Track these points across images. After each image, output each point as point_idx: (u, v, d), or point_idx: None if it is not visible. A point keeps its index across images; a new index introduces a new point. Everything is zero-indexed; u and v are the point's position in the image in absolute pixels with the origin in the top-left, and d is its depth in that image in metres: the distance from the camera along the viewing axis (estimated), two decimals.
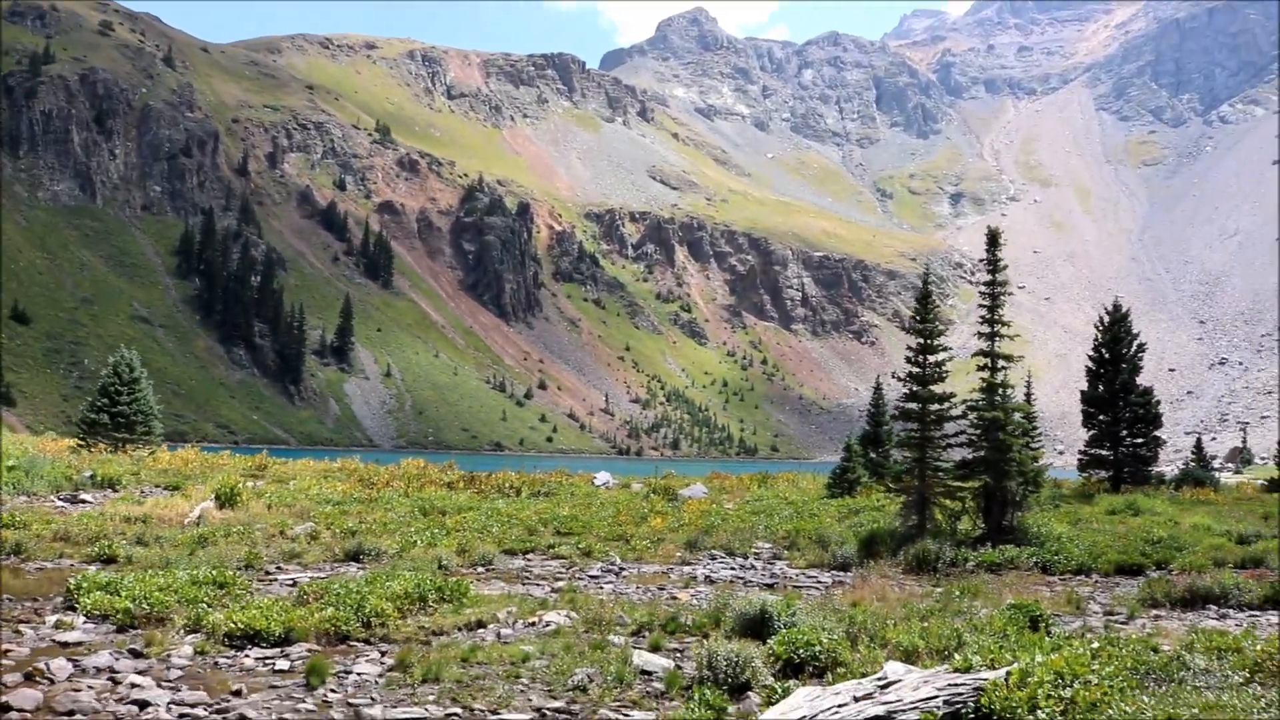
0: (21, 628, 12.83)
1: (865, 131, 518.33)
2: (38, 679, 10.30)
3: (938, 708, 7.11)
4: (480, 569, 19.96)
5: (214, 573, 15.32)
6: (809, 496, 37.48)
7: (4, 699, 9.40)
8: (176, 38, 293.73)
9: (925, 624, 12.63)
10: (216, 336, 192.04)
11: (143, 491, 33.79)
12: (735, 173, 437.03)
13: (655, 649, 12.27)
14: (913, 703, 7.03)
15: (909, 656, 10.91)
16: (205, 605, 13.45)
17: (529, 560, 21.69)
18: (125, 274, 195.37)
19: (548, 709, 9.83)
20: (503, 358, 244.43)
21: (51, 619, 13.29)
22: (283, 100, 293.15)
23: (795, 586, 18.36)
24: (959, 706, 7.24)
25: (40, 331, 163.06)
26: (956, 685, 7.45)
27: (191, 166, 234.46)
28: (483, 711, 9.68)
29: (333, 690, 10.25)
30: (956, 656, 9.45)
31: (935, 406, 24.05)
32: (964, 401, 24.16)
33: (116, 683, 10.25)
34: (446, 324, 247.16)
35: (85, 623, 13.13)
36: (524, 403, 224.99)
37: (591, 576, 19.31)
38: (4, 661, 10.93)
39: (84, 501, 30.49)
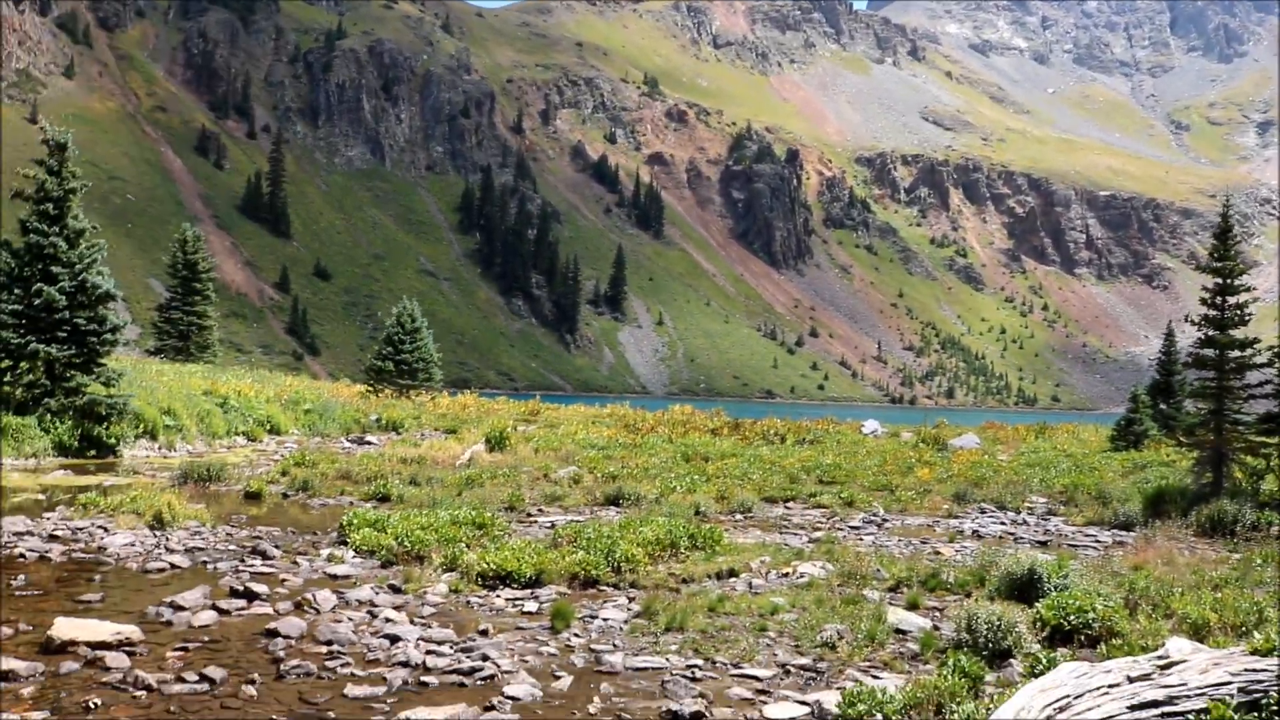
0: (299, 559, 13.46)
1: (1157, 59, 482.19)
2: (305, 609, 10.71)
3: (1230, 695, 6.00)
4: (738, 516, 19.61)
5: (474, 514, 15.62)
6: (1090, 450, 35.12)
7: (274, 625, 9.79)
8: (453, 6, 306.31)
9: (1218, 594, 11.25)
10: (497, 288, 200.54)
11: (422, 434, 35.43)
12: (1013, 110, 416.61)
13: (912, 607, 11.53)
14: (1199, 688, 5.97)
15: (1197, 632, 9.71)
16: (463, 545, 13.69)
17: (789, 509, 21.17)
18: (412, 231, 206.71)
19: (793, 665, 9.34)
20: (773, 305, 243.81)
21: (325, 552, 13.88)
22: (553, 59, 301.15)
23: (1070, 545, 17.02)
24: (1258, 696, 6.11)
25: (339, 286, 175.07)
26: (1256, 670, 6.30)
27: (470, 127, 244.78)
28: (725, 664, 9.30)
29: (576, 635, 10.14)
30: (1256, 635, 8.21)
31: (1235, 353, 21.67)
32: (1270, 349, 21.67)
33: (374, 616, 10.51)
34: (717, 272, 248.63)
35: (354, 557, 13.63)
36: (795, 350, 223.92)
37: (852, 527, 18.60)
38: (279, 590, 11.45)
39: (369, 443, 32.24)
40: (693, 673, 9.00)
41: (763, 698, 8.46)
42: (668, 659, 9.37)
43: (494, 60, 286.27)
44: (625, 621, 10.69)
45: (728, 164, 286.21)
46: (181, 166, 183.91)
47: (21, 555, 12.93)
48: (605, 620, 10.71)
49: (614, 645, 9.82)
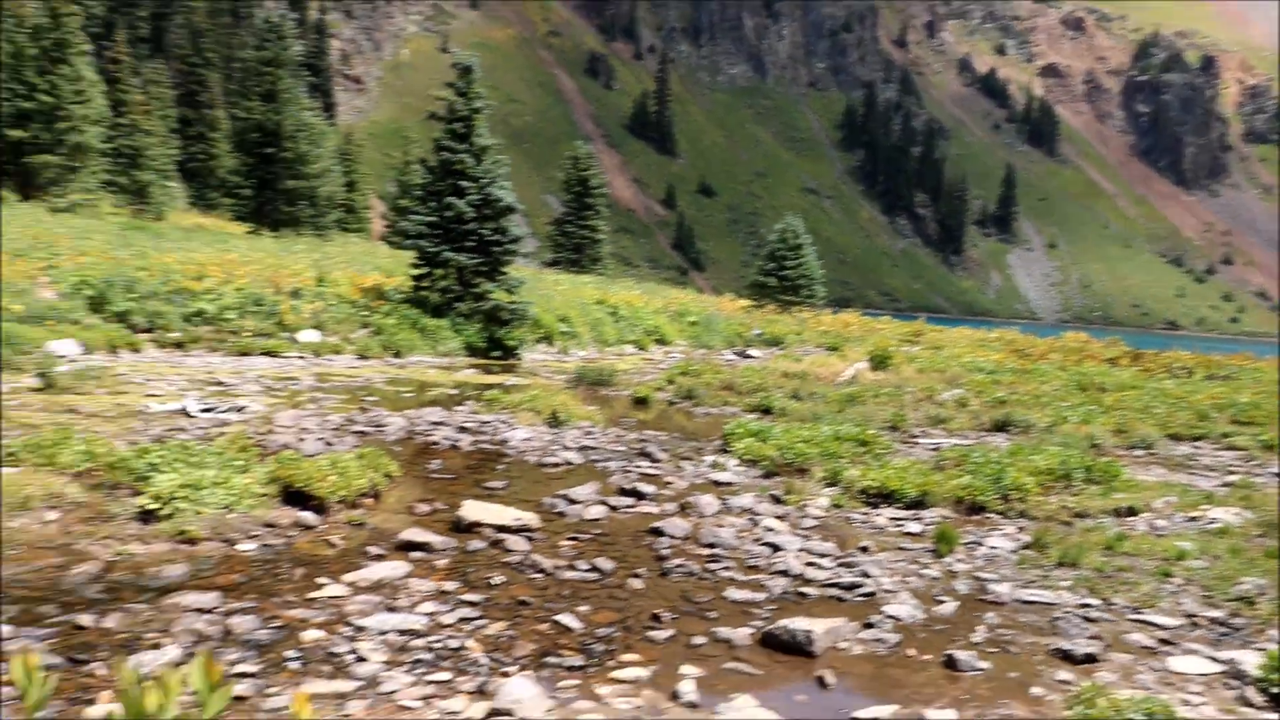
0: (683, 464, 13.83)
1: None
2: (689, 512, 10.97)
3: None
4: (1138, 452, 18.18)
5: (856, 430, 15.41)
6: None
7: (659, 525, 10.09)
8: None
9: None
10: (879, 207, 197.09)
11: (804, 350, 35.50)
12: None
13: None
14: None
15: None
16: (845, 461, 13.53)
17: (1197, 448, 19.38)
18: (794, 148, 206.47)
19: (1202, 617, 8.46)
20: (1180, 229, 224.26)
21: (709, 459, 14.17)
22: None
23: None
24: None
25: (722, 203, 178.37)
26: None
27: (852, 42, 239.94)
28: (1123, 607, 8.58)
29: (960, 560, 9.73)
30: None
31: None
32: None
33: (755, 524, 10.58)
34: (1117, 193, 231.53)
35: (736, 466, 13.82)
36: (1204, 279, 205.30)
37: (1274, 474, 16.73)
38: (664, 492, 11.81)
39: (750, 357, 32.70)
40: (1086, 612, 8.38)
41: (1166, 648, 7.73)
42: (1059, 595, 8.79)
43: None
44: (1013, 551, 10.15)
45: (1130, 75, 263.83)
46: (574, 88, 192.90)
47: (437, 443, 14.11)
48: (992, 548, 10.23)
49: (1000, 575, 9.35)
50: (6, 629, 6.42)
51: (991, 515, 11.81)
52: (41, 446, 10.00)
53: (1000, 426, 19.46)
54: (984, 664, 7.13)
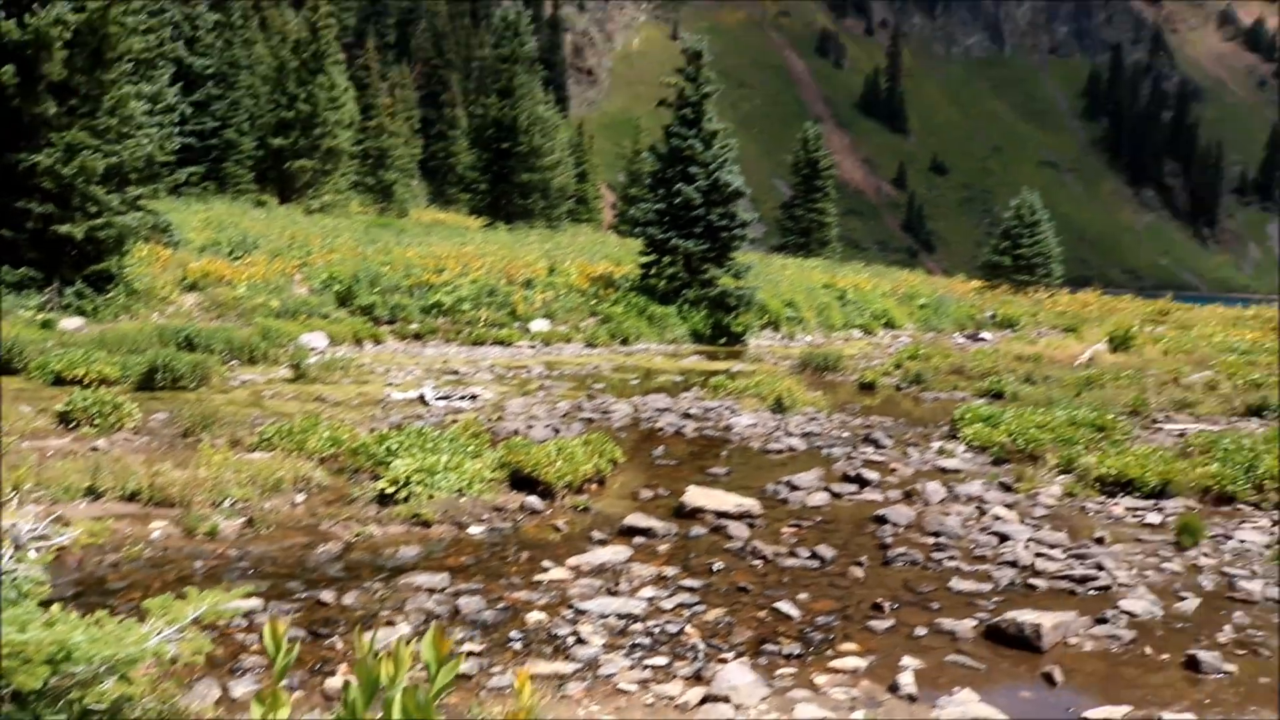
0: (909, 450, 13.62)
1: None
2: (914, 499, 10.82)
3: None
4: None
5: (1093, 415, 14.77)
6: None
7: (882, 512, 10.00)
8: None
9: None
10: (1124, 179, 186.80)
11: (1038, 332, 34.20)
12: None
13: None
14: None
15: None
16: (1080, 447, 12.99)
17: None
18: (1033, 120, 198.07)
19: None
20: None
21: (935, 445, 13.90)
22: None
23: None
24: None
25: (956, 182, 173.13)
26: None
27: (1099, 3, 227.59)
28: None
29: (1205, 554, 9.19)
30: None
31: None
32: None
33: (982, 512, 10.32)
34: None
35: (964, 452, 13.50)
36: None
37: None
38: (889, 479, 11.68)
39: (983, 339, 31.74)
40: None
41: None
42: None
43: None
44: (1267, 546, 9.51)
45: None
46: (803, 68, 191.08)
47: (661, 429, 14.38)
48: (1242, 542, 9.61)
49: (1252, 571, 8.78)
50: (258, 602, 6.99)
51: (1242, 506, 11.10)
52: (292, 433, 10.80)
53: (1255, 411, 18.19)
54: (1230, 666, 6.73)
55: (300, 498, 9.48)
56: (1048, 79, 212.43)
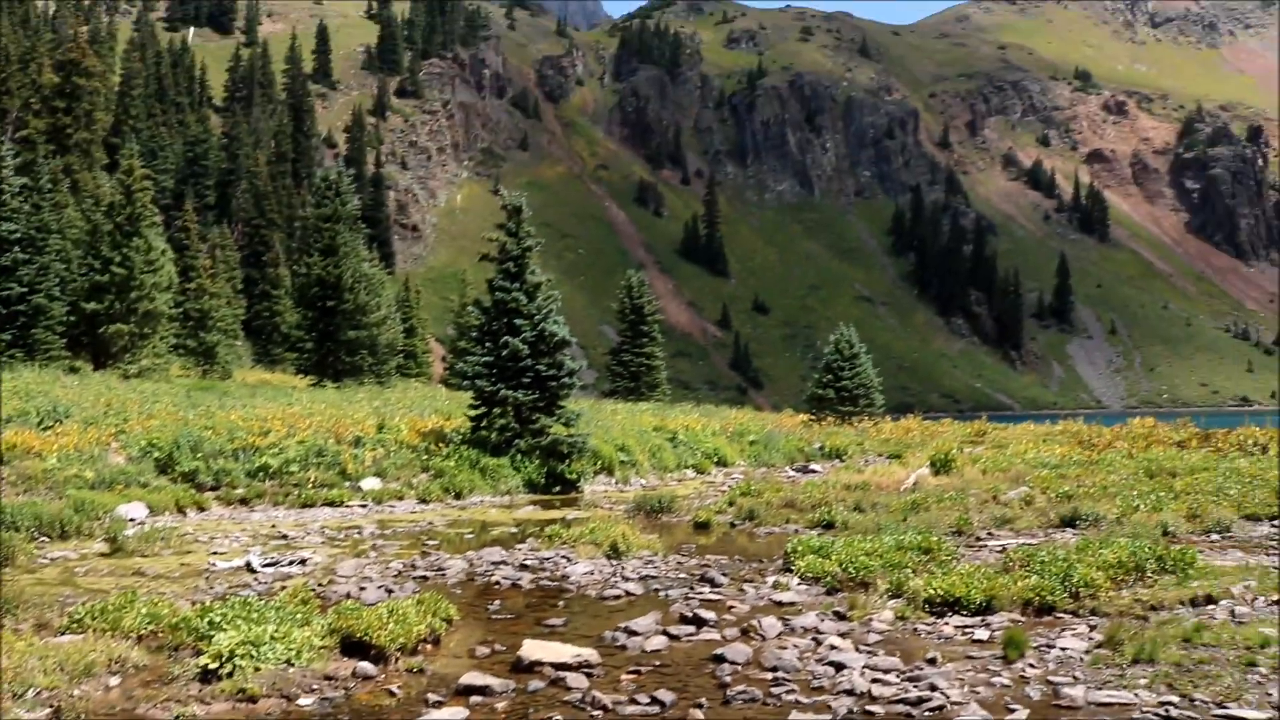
0: (745, 586, 13.73)
1: None
2: (751, 635, 10.87)
3: None
4: (1214, 536, 17.73)
5: (919, 538, 15.22)
6: None
7: (721, 651, 10.01)
8: (868, 29, 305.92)
9: None
10: (934, 309, 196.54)
11: (865, 460, 35.22)
12: None
13: None
14: None
15: None
16: (908, 571, 13.34)
17: (1276, 526, 18.85)
18: (845, 258, 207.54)
19: None
20: (1244, 302, 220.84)
21: (771, 580, 14.05)
22: (975, 66, 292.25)
23: None
24: None
25: (778, 319, 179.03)
26: None
27: (895, 148, 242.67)
28: (1206, 702, 8.30)
29: (1031, 665, 9.50)
30: None
31: None
32: None
33: (819, 643, 10.44)
34: (1173, 271, 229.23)
35: (799, 584, 13.68)
36: (1273, 351, 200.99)
37: None
38: (726, 617, 11.73)
39: (812, 471, 32.46)
40: (1167, 710, 8.13)
41: None
42: (1136, 694, 8.54)
43: (914, 77, 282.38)
44: (1086, 651, 9.90)
45: (1177, 152, 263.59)
46: (624, 218, 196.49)
47: (497, 583, 14.14)
48: (1063, 650, 9.99)
49: (1074, 677, 9.11)
50: None
51: (1062, 615, 11.55)
52: (106, 611, 10.21)
53: (1068, 522, 19.10)
54: None
55: (114, 681, 8.91)
56: (856, 220, 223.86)
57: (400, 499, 23.86)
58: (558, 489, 26.86)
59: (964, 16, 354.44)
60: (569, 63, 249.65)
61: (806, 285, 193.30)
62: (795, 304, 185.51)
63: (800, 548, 15.10)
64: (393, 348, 55.71)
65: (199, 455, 22.82)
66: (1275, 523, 19.23)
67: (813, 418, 49.43)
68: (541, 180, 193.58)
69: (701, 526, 20.44)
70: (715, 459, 34.22)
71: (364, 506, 22.95)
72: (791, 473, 32.62)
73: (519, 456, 27.30)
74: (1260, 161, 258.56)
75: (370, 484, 23.98)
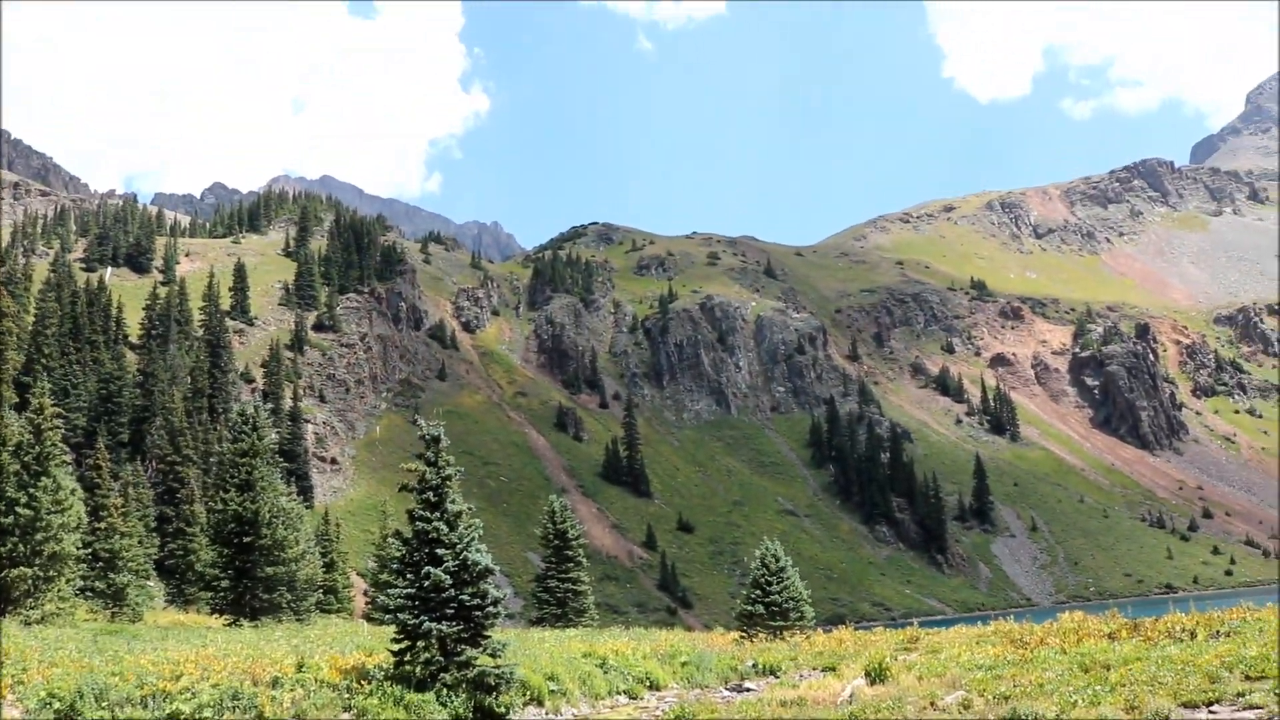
0: None
1: None
2: None
3: None
4: None
5: None
6: None
7: None
8: (773, 250, 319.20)
9: None
10: (858, 517, 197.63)
11: (800, 675, 34.59)
12: None
13: None
14: None
15: None
16: None
17: (1214, 712, 18.82)
18: (766, 473, 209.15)
19: None
20: (1154, 491, 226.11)
21: None
22: (876, 281, 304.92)
23: None
24: None
25: (703, 537, 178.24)
26: None
27: (807, 362, 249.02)
28: None
29: None
30: None
31: None
32: None
33: None
34: (1085, 466, 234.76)
35: None
36: (1189, 536, 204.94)
37: None
38: None
39: (748, 689, 31.75)
40: None
41: None
42: None
43: (819, 294, 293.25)
44: None
45: (1074, 352, 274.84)
46: (545, 443, 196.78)
47: None
48: None
49: None
50: None
51: None
52: None
53: None
54: None
55: None
56: (774, 434, 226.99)
57: None
58: None
59: (862, 236, 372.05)
60: (484, 293, 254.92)
61: (730, 502, 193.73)
62: (720, 521, 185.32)
63: None
64: (312, 583, 54.24)
65: (104, 704, 21.66)
66: (1212, 708, 19.19)
67: (744, 634, 48.71)
68: (461, 409, 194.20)
69: None
70: (647, 682, 33.35)
71: None
72: (726, 692, 31.87)
73: (445, 690, 26.36)
74: (1151, 356, 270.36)
75: None
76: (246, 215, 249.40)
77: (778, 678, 34.57)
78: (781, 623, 48.50)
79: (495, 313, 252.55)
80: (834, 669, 33.86)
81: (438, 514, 28.40)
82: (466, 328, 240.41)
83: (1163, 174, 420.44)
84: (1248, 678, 21.63)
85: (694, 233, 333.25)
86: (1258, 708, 18.61)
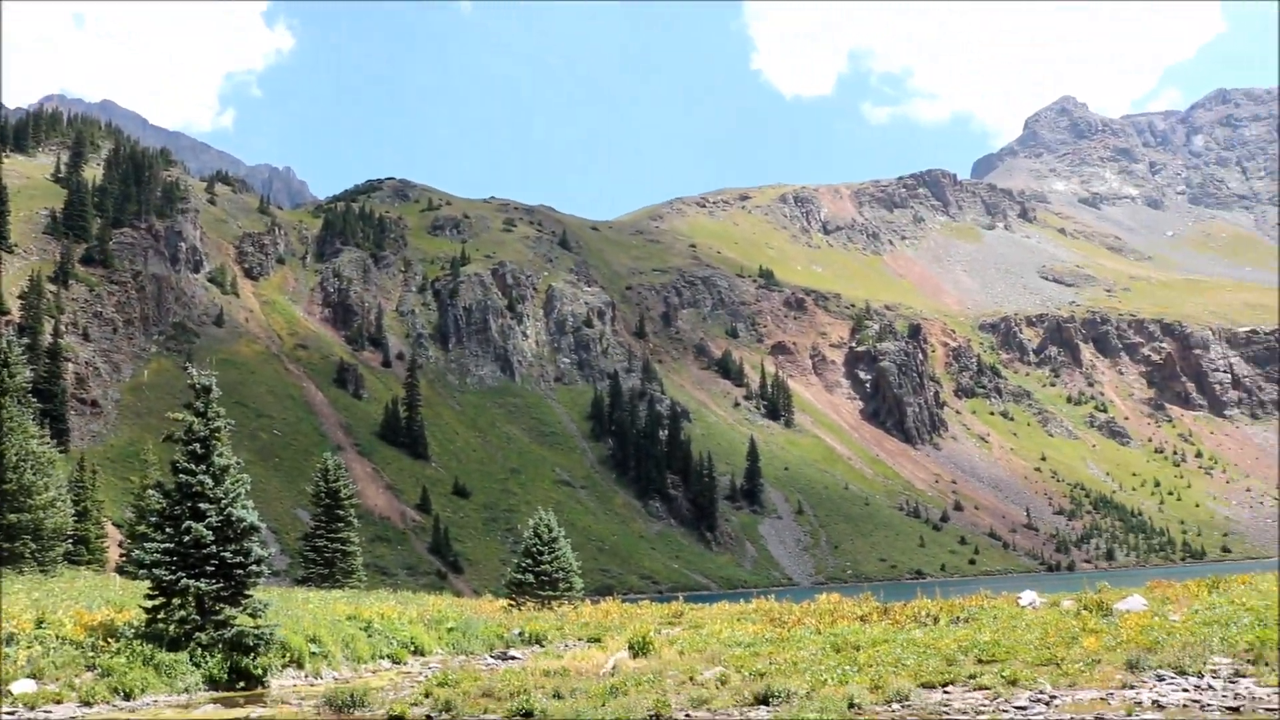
0: None
1: (1277, 188, 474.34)
2: None
3: None
4: (895, 706, 18.66)
5: None
6: (1272, 600, 32.76)
7: None
8: (569, 222, 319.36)
9: None
10: (633, 492, 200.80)
11: (565, 645, 34.98)
12: (1133, 258, 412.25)
13: None
14: None
15: None
16: None
17: (948, 693, 20.07)
18: (546, 442, 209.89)
19: None
20: (914, 483, 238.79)
21: None
22: (669, 262, 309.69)
23: (1266, 709, 15.64)
24: None
25: (478, 503, 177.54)
26: None
27: (594, 336, 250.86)
28: None
29: None
30: None
31: None
32: None
33: None
34: (852, 455, 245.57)
35: None
36: (940, 526, 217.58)
37: (1018, 708, 17.50)
38: None
39: (513, 658, 31.88)
40: None
41: None
42: None
43: (612, 269, 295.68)
44: None
45: (851, 346, 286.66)
46: (323, 399, 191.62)
47: None
48: None
49: None
50: None
51: None
52: None
53: (761, 699, 19.58)
54: None
55: None
56: (556, 405, 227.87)
57: (59, 703, 21.58)
58: (242, 685, 25.10)
59: (659, 216, 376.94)
60: (270, 240, 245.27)
61: (508, 469, 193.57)
62: (496, 488, 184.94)
63: None
64: (61, 533, 51.18)
65: None
66: (947, 689, 20.45)
67: (513, 603, 48.91)
68: (237, 358, 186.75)
69: None
70: (412, 648, 33.06)
71: (12, 713, 20.58)
72: (491, 660, 31.92)
73: (200, 651, 25.42)
74: (921, 356, 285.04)
75: (23, 687, 21.59)
76: (13, 134, 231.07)
77: (543, 647, 34.87)
78: (551, 592, 48.91)
79: (281, 261, 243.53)
80: (599, 640, 34.40)
81: (203, 467, 27.33)
82: (249, 274, 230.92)
83: (946, 185, 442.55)
84: (980, 661, 23.19)
85: (492, 197, 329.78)
86: (986, 689, 19.93)
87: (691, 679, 22.50)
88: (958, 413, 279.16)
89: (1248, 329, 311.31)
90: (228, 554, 26.55)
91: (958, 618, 33.85)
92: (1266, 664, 20.32)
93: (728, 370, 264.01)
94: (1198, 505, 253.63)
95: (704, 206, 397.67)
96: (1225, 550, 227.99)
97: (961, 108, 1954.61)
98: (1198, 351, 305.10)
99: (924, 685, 20.62)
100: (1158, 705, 16.85)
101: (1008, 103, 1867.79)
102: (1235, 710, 15.70)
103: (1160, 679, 19.72)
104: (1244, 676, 19.62)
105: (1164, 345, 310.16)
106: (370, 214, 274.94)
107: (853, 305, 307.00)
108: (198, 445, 27.63)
